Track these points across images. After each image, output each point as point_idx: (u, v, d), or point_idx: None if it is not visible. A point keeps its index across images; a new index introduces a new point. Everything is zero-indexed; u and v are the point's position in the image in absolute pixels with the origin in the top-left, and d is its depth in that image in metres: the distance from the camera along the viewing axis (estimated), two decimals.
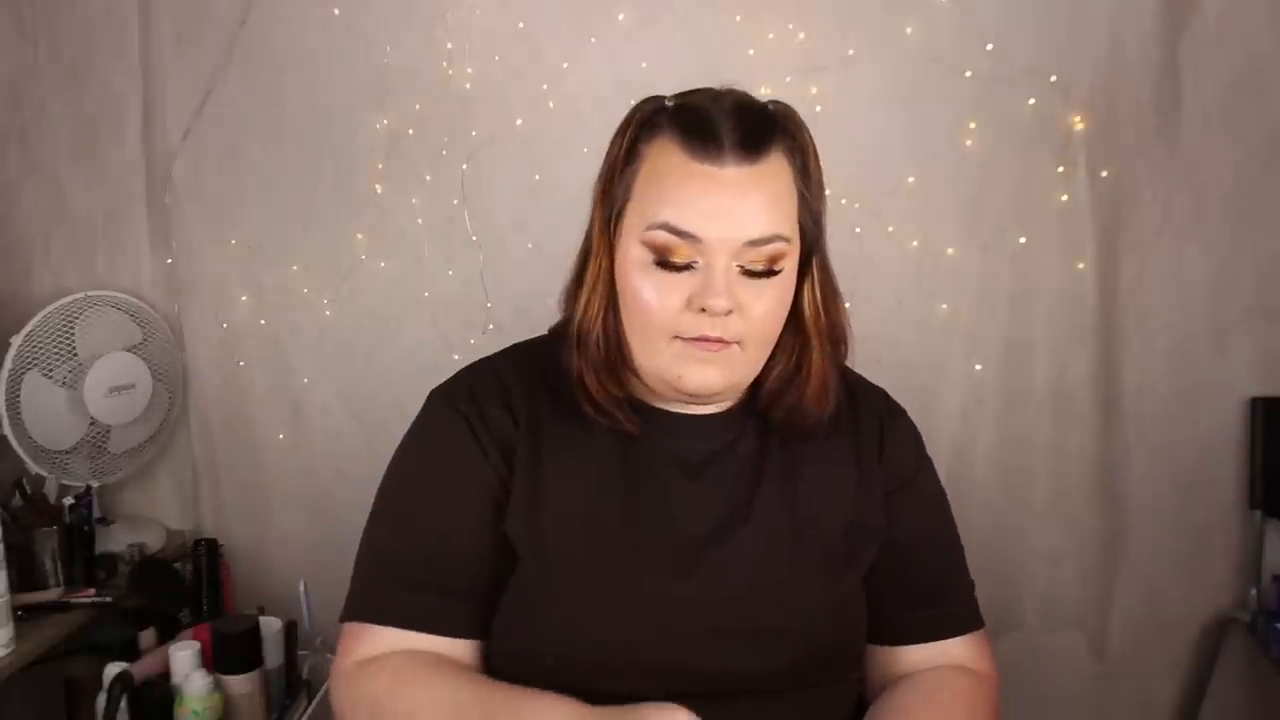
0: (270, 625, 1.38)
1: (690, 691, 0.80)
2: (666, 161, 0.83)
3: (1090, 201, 1.67)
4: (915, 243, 1.69)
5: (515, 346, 1.00)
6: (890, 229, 1.69)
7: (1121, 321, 1.70)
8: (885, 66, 1.65)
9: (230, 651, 1.28)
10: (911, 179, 1.68)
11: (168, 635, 1.42)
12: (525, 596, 0.86)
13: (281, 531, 1.83)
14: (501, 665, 0.87)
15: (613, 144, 0.87)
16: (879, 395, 1.01)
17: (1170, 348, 1.70)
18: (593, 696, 0.80)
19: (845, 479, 0.93)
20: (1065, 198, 1.67)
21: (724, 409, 0.92)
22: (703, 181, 0.81)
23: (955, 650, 0.93)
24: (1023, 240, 1.69)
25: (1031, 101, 1.64)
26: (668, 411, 0.91)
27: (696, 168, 0.82)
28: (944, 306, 1.71)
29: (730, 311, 0.82)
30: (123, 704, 1.19)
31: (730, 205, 0.81)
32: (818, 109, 1.66)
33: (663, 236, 0.82)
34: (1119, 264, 1.69)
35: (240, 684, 1.27)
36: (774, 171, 0.83)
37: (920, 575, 0.94)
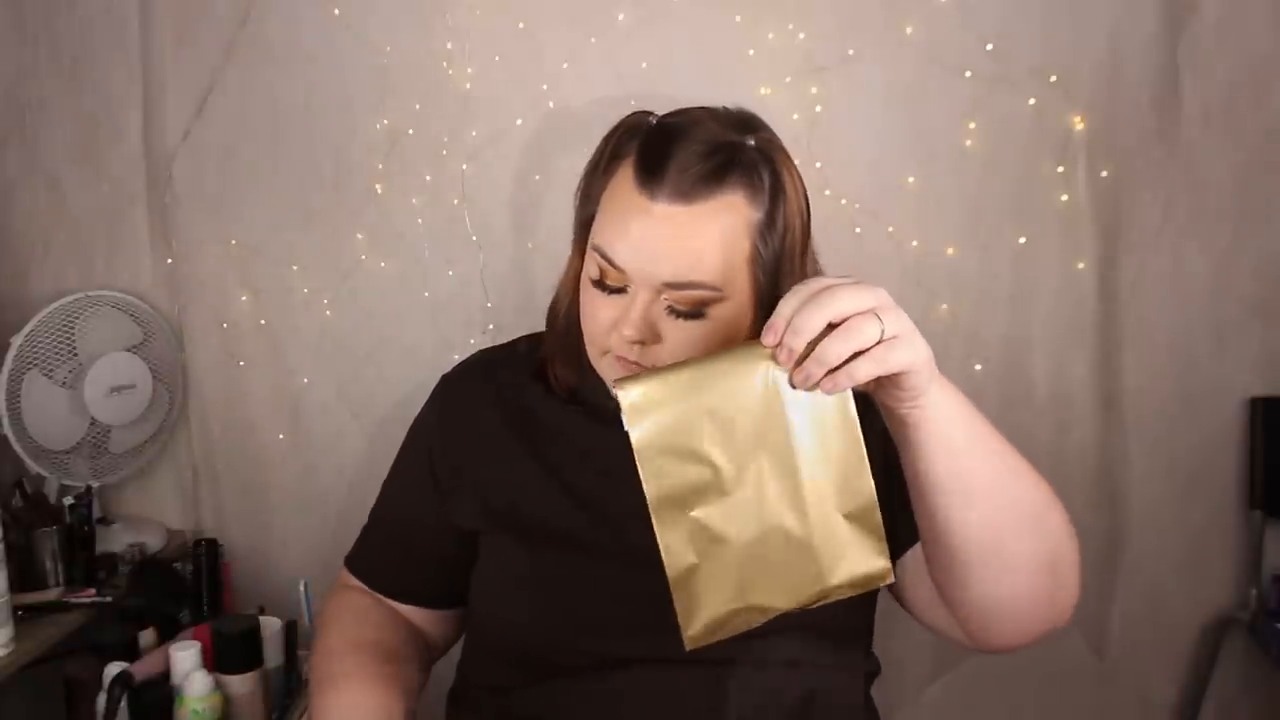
0: (270, 625, 1.38)
1: (675, 655, 0.83)
2: (622, 185, 0.85)
3: (1090, 201, 1.67)
4: (915, 243, 1.69)
5: (530, 334, 1.06)
6: (890, 229, 1.69)
7: (1121, 321, 1.70)
8: (885, 66, 1.65)
9: (230, 651, 1.28)
10: (911, 179, 1.68)
11: (168, 635, 1.42)
12: (499, 563, 0.94)
13: (281, 531, 1.83)
14: (487, 627, 0.97)
15: (598, 149, 0.89)
16: None
17: (1170, 347, 1.70)
18: (573, 653, 0.88)
19: None
20: (1065, 198, 1.67)
21: None
22: (637, 215, 0.82)
23: None
24: (1022, 240, 1.69)
25: (1031, 101, 1.64)
26: None
27: (636, 199, 0.82)
28: (944, 306, 1.71)
29: (642, 343, 0.84)
30: (123, 704, 1.19)
31: (654, 244, 0.81)
32: (818, 109, 1.66)
33: (599, 260, 0.85)
34: (1119, 264, 1.69)
35: (240, 684, 1.27)
36: (714, 216, 0.81)
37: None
